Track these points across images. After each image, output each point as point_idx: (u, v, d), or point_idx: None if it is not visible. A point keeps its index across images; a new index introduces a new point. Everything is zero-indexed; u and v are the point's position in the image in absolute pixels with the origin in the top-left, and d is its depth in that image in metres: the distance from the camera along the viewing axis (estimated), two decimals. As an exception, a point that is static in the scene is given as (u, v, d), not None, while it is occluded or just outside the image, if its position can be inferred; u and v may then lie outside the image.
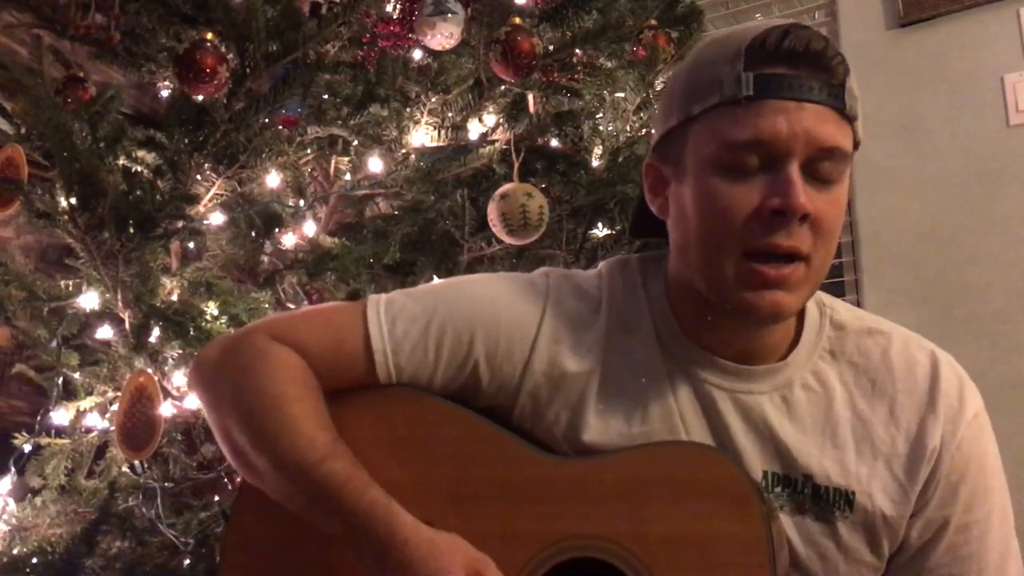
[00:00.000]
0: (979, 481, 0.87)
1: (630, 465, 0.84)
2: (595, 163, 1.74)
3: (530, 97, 1.71)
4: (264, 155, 1.51)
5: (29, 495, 1.63)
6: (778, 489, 0.86)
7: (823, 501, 0.85)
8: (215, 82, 1.42)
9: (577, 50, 1.74)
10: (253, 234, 1.59)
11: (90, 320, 1.63)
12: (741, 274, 0.79)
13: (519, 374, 0.90)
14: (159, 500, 1.47)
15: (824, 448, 0.86)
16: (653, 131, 0.90)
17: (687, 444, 0.86)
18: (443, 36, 1.56)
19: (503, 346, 0.90)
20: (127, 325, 1.48)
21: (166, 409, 1.43)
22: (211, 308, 1.45)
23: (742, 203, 0.77)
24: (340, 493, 0.82)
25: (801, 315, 0.91)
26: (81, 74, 1.71)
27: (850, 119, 0.79)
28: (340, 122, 1.59)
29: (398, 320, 0.91)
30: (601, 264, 0.99)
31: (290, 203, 1.66)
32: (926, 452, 0.85)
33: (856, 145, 0.82)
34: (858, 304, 2.43)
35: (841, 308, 0.93)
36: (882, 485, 0.85)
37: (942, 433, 0.86)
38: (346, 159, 1.70)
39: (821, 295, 0.94)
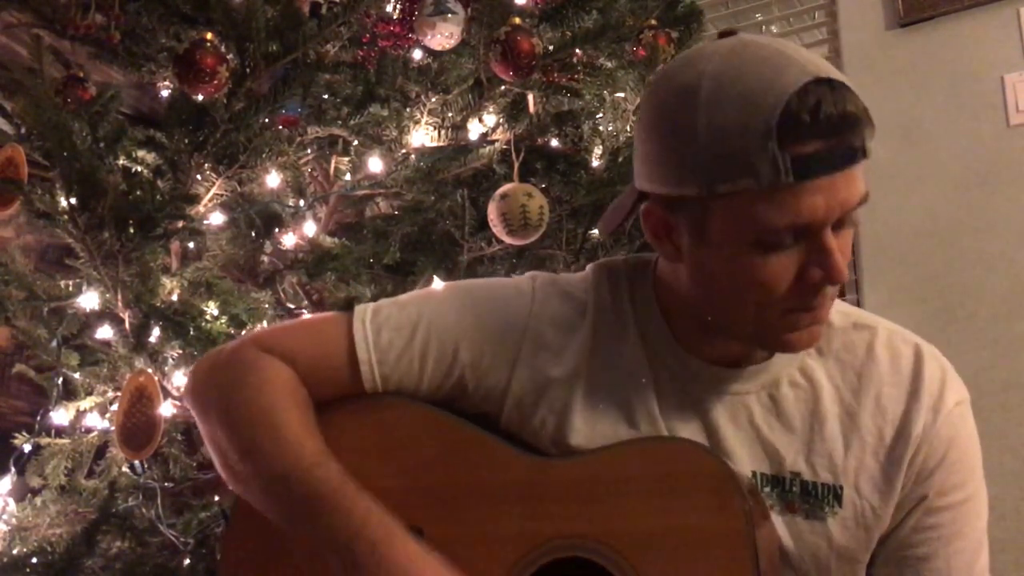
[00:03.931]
0: (957, 467, 0.87)
1: (612, 463, 0.85)
2: (595, 163, 1.74)
3: (530, 97, 1.71)
4: (264, 155, 1.51)
5: (29, 495, 1.63)
6: (767, 489, 0.86)
7: (812, 497, 0.86)
8: (215, 82, 1.42)
9: (577, 50, 1.74)
10: (253, 234, 1.59)
11: (90, 320, 1.63)
12: (783, 324, 0.80)
13: (504, 381, 0.90)
14: (159, 500, 1.47)
15: (812, 444, 0.86)
16: (642, 173, 0.82)
17: (667, 439, 0.87)
18: (443, 36, 1.56)
19: (488, 354, 0.91)
20: (127, 325, 1.48)
21: (166, 409, 1.43)
22: (211, 308, 1.45)
23: (781, 274, 0.76)
24: (334, 496, 0.82)
25: None
26: (81, 74, 1.70)
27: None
28: (340, 122, 1.59)
29: (383, 330, 0.91)
30: (588, 267, 0.98)
31: (290, 203, 1.66)
32: (910, 439, 0.86)
33: None
34: (858, 304, 2.43)
35: None
36: (870, 477, 0.86)
37: (924, 420, 0.86)
38: (346, 159, 1.69)
39: None
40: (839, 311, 0.93)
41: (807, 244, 0.75)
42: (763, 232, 0.74)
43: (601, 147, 1.75)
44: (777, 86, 0.71)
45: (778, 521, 0.86)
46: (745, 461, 0.87)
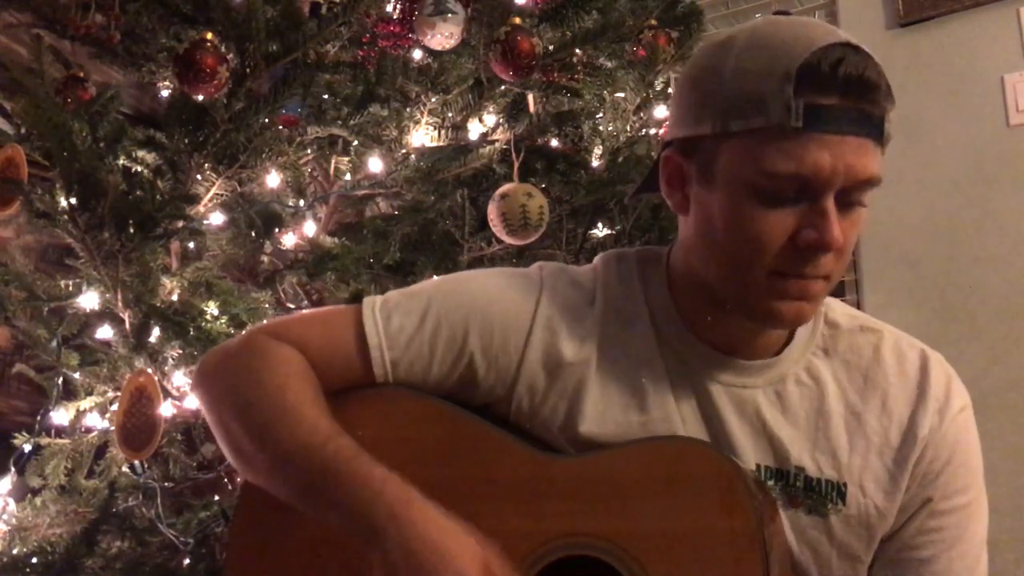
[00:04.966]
0: (961, 471, 0.88)
1: (621, 462, 0.85)
2: (595, 163, 1.74)
3: (530, 97, 1.71)
4: (264, 155, 1.51)
5: (29, 495, 1.63)
6: (771, 482, 0.87)
7: (815, 493, 0.86)
8: (215, 82, 1.42)
9: (577, 50, 1.74)
10: (253, 234, 1.59)
11: (90, 320, 1.63)
12: (769, 288, 0.80)
13: (515, 365, 0.90)
14: (159, 500, 1.47)
15: (817, 441, 0.87)
16: (671, 120, 0.88)
17: (677, 439, 0.87)
18: (443, 36, 1.56)
19: (498, 338, 0.91)
20: (127, 325, 1.48)
21: (166, 409, 1.43)
22: (211, 308, 1.45)
23: (776, 230, 0.77)
24: (350, 465, 0.82)
25: None
26: (81, 74, 1.71)
27: (885, 145, 0.80)
28: (340, 122, 1.59)
29: (393, 316, 0.92)
30: (596, 258, 0.99)
31: (290, 203, 1.66)
32: (917, 441, 0.86)
33: None
34: (858, 304, 2.43)
35: (835, 306, 0.94)
36: (874, 476, 0.86)
37: (930, 422, 0.87)
38: (346, 159, 1.70)
39: None
40: (846, 313, 0.93)
41: (807, 206, 0.77)
42: (765, 176, 0.76)
43: (601, 147, 1.75)
44: (805, 40, 0.76)
45: (780, 515, 0.86)
46: (749, 453, 0.87)
